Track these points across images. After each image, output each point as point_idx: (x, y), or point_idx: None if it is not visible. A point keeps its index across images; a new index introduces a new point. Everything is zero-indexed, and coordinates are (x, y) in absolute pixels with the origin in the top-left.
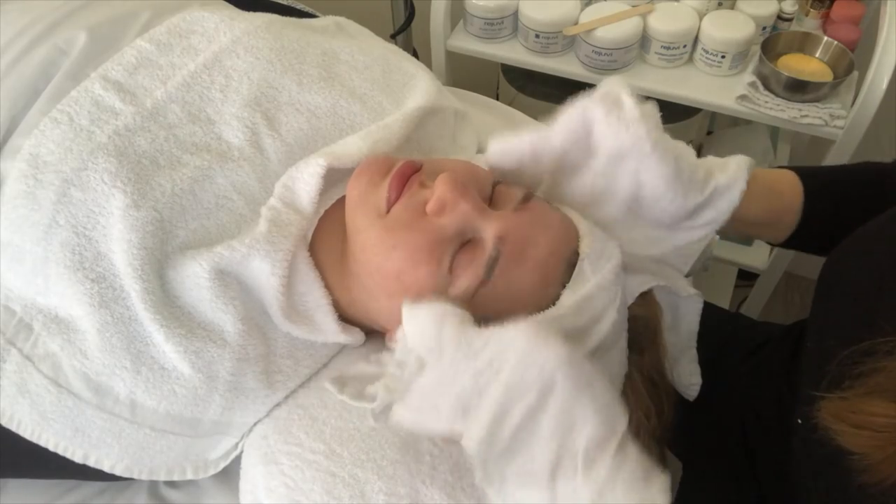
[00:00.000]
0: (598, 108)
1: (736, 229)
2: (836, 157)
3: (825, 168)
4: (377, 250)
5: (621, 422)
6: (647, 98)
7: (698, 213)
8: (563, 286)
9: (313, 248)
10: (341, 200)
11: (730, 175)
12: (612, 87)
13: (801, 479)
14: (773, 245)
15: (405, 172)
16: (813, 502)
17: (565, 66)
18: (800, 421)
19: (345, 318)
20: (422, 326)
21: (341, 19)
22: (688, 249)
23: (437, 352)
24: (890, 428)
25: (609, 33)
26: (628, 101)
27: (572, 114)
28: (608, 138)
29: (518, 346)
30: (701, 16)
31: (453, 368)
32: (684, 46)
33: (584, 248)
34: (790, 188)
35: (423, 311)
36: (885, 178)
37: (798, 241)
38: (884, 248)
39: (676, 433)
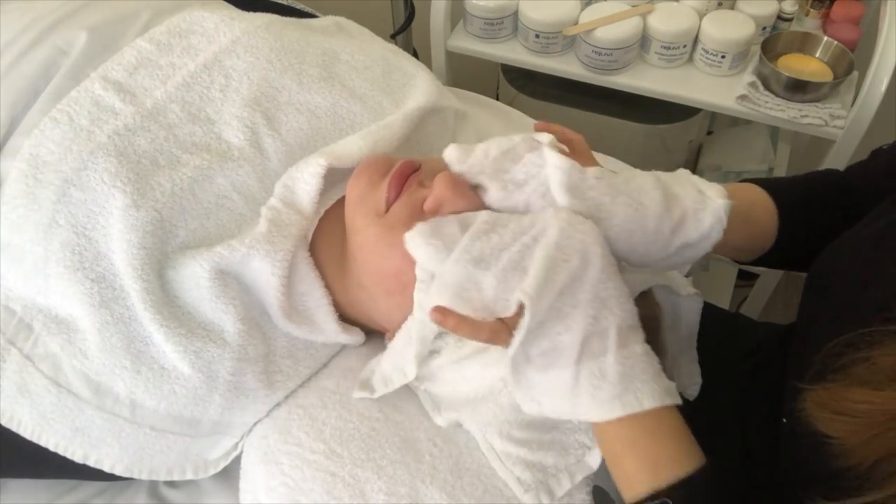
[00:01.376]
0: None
1: (714, 251)
2: (836, 157)
3: (789, 181)
4: (376, 249)
5: (641, 327)
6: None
7: (672, 256)
8: None
9: (313, 248)
10: (341, 200)
11: (703, 230)
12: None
13: (789, 473)
14: (741, 264)
15: (404, 172)
16: (798, 493)
17: (565, 66)
18: (785, 419)
19: (345, 318)
20: (441, 230)
21: (341, 19)
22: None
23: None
24: (867, 414)
25: (609, 33)
26: (560, 197)
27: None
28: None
29: (560, 217)
30: (701, 16)
31: (489, 238)
32: (684, 46)
33: None
34: (765, 213)
35: (428, 222)
36: (846, 183)
37: (766, 258)
38: (868, 244)
39: None
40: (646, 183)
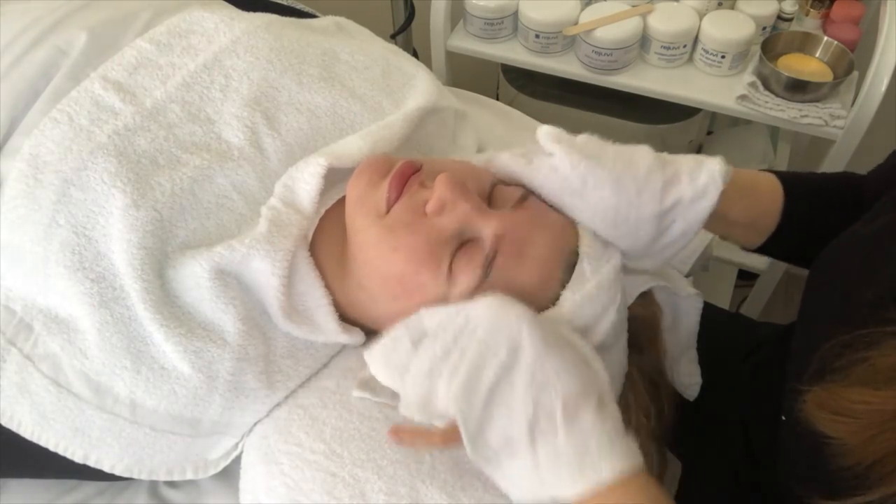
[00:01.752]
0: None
1: (714, 227)
2: (835, 157)
3: (804, 174)
4: (377, 251)
5: (598, 381)
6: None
7: (667, 228)
8: (563, 286)
9: (313, 248)
10: (342, 200)
11: (698, 187)
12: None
13: (787, 473)
14: (746, 250)
15: (405, 172)
16: (797, 492)
17: (565, 66)
18: (784, 417)
19: (345, 318)
20: (390, 345)
21: (341, 19)
22: (679, 260)
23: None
24: (866, 414)
25: (609, 33)
26: (556, 150)
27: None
28: (546, 187)
29: (490, 307)
30: (701, 16)
31: (434, 347)
32: (684, 46)
33: (584, 247)
34: (770, 191)
35: (382, 343)
36: (861, 188)
37: (772, 246)
38: (866, 244)
39: (677, 433)
40: (637, 147)
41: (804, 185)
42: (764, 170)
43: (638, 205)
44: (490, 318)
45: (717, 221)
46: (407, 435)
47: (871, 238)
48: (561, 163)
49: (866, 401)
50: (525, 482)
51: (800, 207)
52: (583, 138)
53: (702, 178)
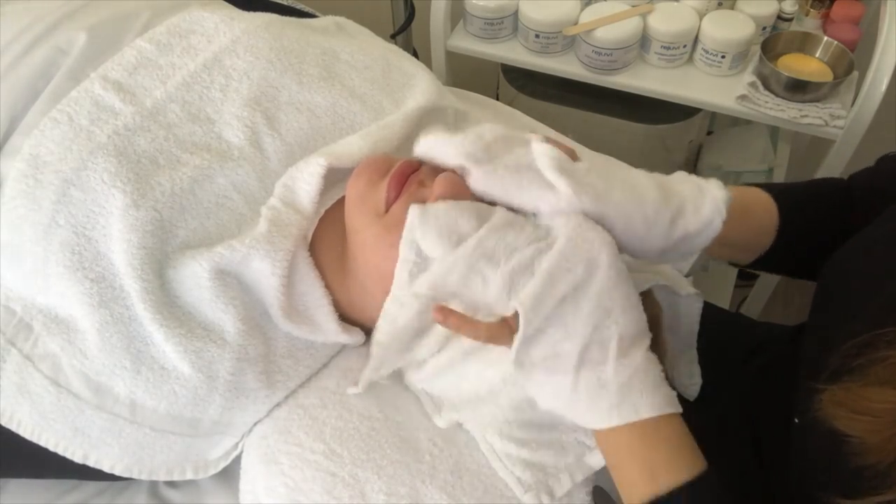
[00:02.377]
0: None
1: (710, 252)
2: (836, 157)
3: (792, 185)
4: (376, 250)
5: (648, 333)
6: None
7: (667, 254)
8: None
9: (313, 248)
10: (342, 200)
11: (703, 219)
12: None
13: (802, 473)
14: (738, 267)
15: (404, 172)
16: (814, 492)
17: (565, 66)
18: (797, 420)
19: (345, 318)
20: (456, 212)
21: (341, 19)
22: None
23: (476, 229)
24: (886, 413)
25: (609, 33)
26: (562, 187)
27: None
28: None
29: (570, 225)
30: (701, 16)
31: (504, 236)
32: (684, 46)
33: None
34: (765, 210)
35: (442, 206)
36: (849, 190)
37: (764, 262)
38: (882, 244)
39: None
40: (638, 174)
41: (794, 196)
42: (759, 176)
43: (646, 239)
44: (570, 234)
45: (715, 247)
46: (454, 318)
47: (886, 238)
48: (568, 204)
49: (887, 399)
50: (557, 400)
51: (793, 220)
52: (585, 169)
53: (706, 210)
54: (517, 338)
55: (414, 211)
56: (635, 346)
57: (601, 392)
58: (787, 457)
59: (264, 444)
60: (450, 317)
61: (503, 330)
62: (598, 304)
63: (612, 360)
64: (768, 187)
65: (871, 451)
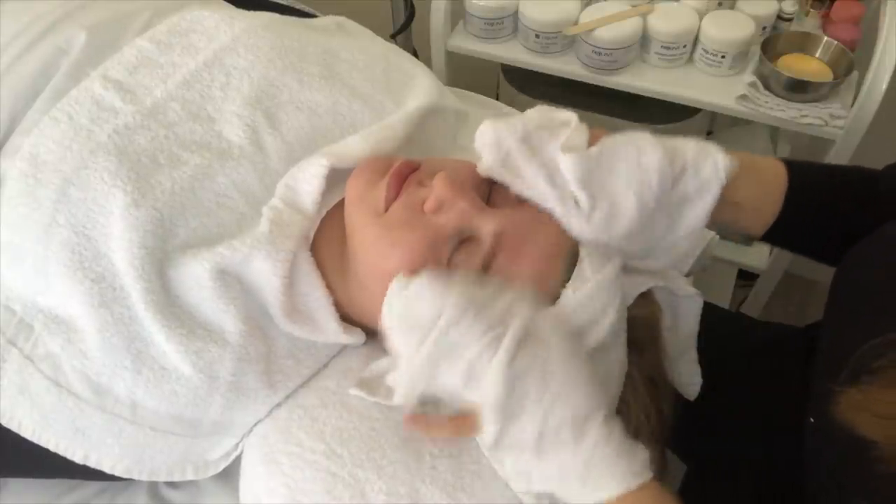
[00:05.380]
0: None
1: (720, 214)
2: (836, 158)
3: (817, 165)
4: (375, 249)
5: (604, 401)
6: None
7: (675, 223)
8: (563, 284)
9: (315, 249)
10: (343, 201)
11: (702, 179)
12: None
13: (814, 476)
14: (753, 239)
15: (403, 171)
16: (828, 498)
17: (565, 66)
18: (812, 419)
19: (346, 319)
20: (423, 294)
21: (341, 19)
22: (683, 258)
23: (439, 318)
24: None
25: (609, 33)
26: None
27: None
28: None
29: (522, 307)
30: (701, 16)
31: (459, 326)
32: (684, 46)
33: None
34: (774, 176)
35: (422, 280)
36: (876, 181)
37: (778, 234)
38: None
39: (677, 433)
40: (645, 144)
41: (809, 170)
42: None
43: (652, 212)
44: (525, 321)
45: (721, 203)
46: (420, 424)
47: None
48: (583, 203)
49: None
50: (529, 483)
51: (804, 190)
52: (596, 151)
53: (706, 171)
54: (490, 426)
55: (385, 310)
56: (588, 423)
57: (568, 474)
58: (801, 456)
59: (264, 444)
60: (417, 423)
61: (467, 422)
62: (546, 390)
63: (570, 443)
64: (789, 161)
65: (892, 454)
